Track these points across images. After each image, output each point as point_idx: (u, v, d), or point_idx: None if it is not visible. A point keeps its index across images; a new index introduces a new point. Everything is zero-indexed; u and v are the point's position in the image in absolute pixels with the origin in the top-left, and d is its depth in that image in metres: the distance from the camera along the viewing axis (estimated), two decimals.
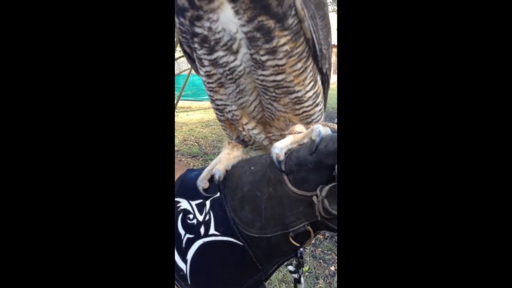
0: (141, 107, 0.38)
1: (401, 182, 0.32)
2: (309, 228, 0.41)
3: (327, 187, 0.38)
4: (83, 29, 0.37)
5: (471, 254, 0.32)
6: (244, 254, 0.45)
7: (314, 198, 0.39)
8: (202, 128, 6.49)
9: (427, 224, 0.32)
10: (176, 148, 5.18)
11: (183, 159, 4.75)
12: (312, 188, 0.40)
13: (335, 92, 0.40)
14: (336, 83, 0.36)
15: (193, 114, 7.81)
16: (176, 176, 0.55)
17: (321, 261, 2.30)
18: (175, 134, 5.88)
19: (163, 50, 0.39)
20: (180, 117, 7.29)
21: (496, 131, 0.32)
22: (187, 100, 8.48)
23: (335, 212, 0.38)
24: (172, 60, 0.46)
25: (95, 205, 0.36)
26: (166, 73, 0.39)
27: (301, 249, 0.43)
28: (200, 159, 4.77)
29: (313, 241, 0.44)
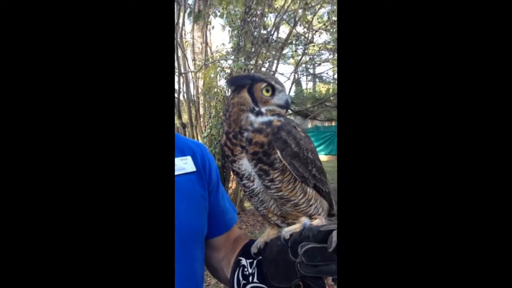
0: (142, 114, 0.41)
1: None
2: (300, 283, 0.71)
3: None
4: (84, 35, 0.38)
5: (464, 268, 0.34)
6: None
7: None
8: None
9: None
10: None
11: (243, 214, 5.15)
12: None
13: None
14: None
15: None
16: (243, 243, 0.96)
17: None
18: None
19: (164, 63, 0.43)
20: None
21: (494, 135, 0.33)
22: None
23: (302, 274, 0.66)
24: (172, 73, 0.52)
25: (95, 209, 0.39)
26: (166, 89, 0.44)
27: None
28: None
29: None
